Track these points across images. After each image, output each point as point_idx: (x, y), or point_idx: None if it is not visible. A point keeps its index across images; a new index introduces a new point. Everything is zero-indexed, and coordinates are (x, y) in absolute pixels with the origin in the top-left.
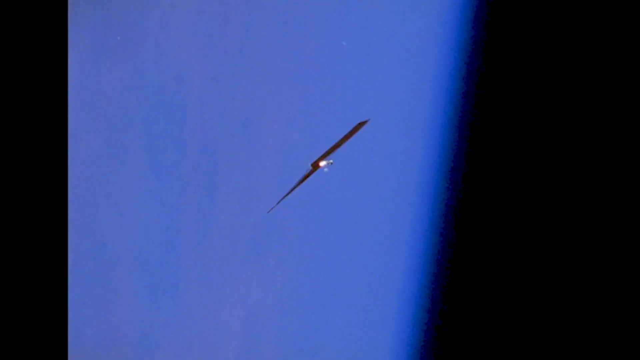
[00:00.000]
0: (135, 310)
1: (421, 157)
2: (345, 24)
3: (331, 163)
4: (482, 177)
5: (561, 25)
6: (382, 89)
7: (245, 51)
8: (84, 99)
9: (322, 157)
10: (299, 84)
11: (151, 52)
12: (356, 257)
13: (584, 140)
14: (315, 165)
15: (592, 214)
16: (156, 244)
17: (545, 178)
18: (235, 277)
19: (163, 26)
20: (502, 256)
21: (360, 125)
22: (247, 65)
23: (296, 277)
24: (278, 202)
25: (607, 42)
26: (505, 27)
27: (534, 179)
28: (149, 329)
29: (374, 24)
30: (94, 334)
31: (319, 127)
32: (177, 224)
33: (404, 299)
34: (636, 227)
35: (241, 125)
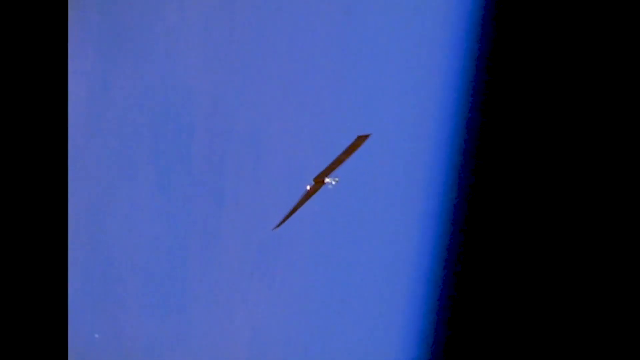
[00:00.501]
0: (140, 323)
1: (427, 169)
2: (352, 35)
3: (337, 181)
4: (489, 187)
5: (569, 29)
6: (388, 101)
7: (252, 60)
8: (90, 107)
9: (325, 172)
10: (306, 96)
11: (158, 62)
12: (362, 270)
13: (591, 143)
14: (318, 181)
15: (600, 213)
16: (162, 254)
17: (553, 188)
18: (242, 289)
19: (170, 35)
20: (509, 265)
21: (362, 139)
22: (253, 74)
23: (303, 289)
24: (284, 220)
25: (616, 47)
26: (511, 32)
27: (541, 189)
28: (154, 341)
29: (379, 37)
30: (96, 346)
31: (326, 140)
32: (184, 235)
33: (410, 313)
34: None
35: (248, 137)
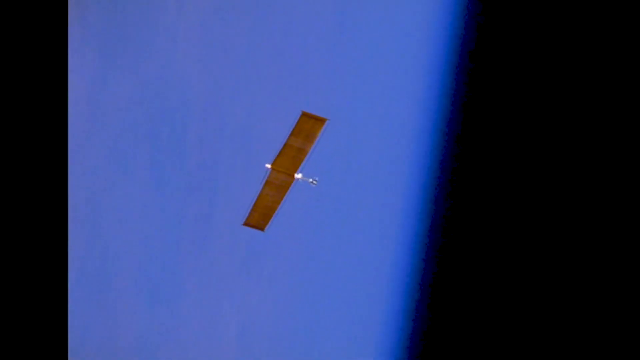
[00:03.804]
0: (134, 317)
1: (410, 163)
2: (343, 31)
3: (315, 183)
4: (471, 180)
5: (554, 28)
6: (374, 95)
7: (245, 58)
8: (87, 107)
9: (284, 160)
10: (299, 92)
11: (155, 62)
12: (348, 266)
13: (579, 142)
14: (281, 171)
15: (582, 215)
16: (156, 251)
17: (538, 183)
18: (233, 284)
19: (167, 35)
20: (492, 258)
21: (313, 121)
22: (246, 71)
23: (291, 285)
24: (262, 218)
25: (601, 45)
26: (496, 29)
27: (525, 182)
28: (147, 335)
29: (370, 36)
30: (93, 338)
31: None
32: (178, 231)
33: (395, 307)
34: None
35: (241, 133)
